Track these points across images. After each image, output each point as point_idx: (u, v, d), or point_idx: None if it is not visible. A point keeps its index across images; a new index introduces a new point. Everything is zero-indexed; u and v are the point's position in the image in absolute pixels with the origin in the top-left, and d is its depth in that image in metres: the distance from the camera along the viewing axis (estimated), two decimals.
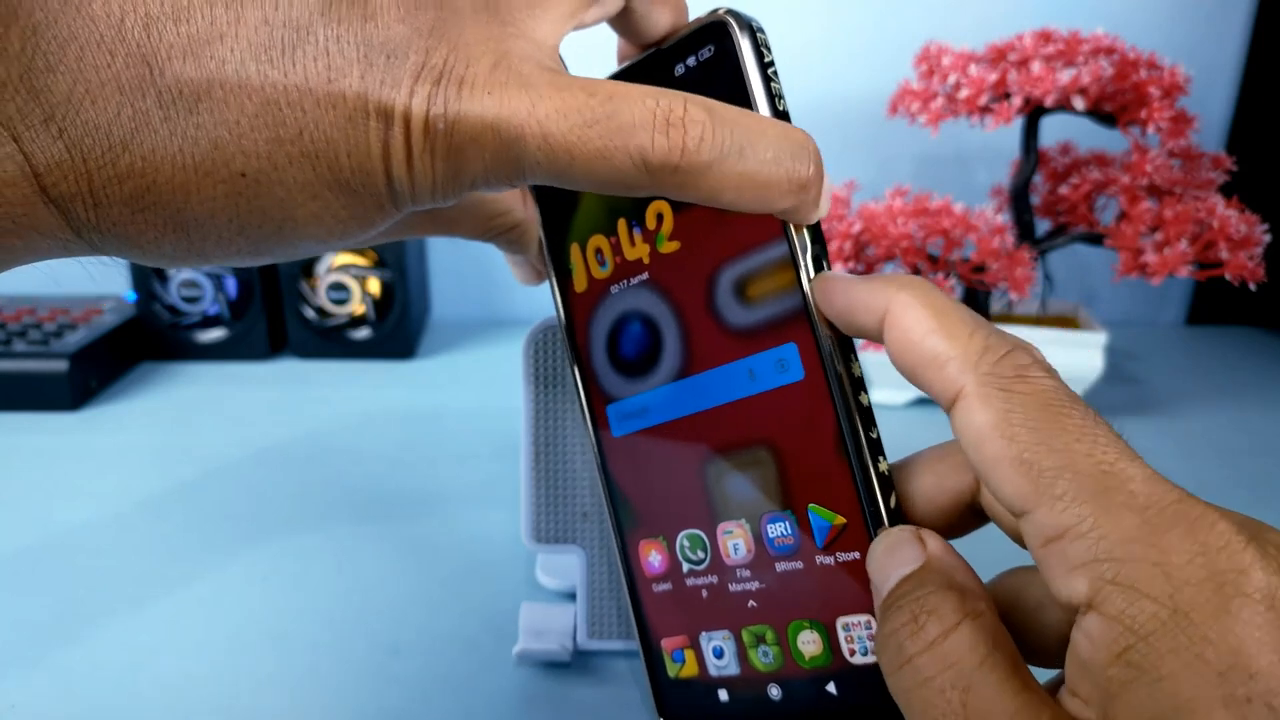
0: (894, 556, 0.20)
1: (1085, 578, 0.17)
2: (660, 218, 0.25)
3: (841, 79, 0.75)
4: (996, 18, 0.67)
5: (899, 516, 0.22)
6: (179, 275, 0.65)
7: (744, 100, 0.23)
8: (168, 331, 0.66)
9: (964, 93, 0.54)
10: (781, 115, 0.23)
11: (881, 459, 0.22)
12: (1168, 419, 0.58)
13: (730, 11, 0.23)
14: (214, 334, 0.66)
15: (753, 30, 0.23)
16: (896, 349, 0.20)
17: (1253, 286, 0.50)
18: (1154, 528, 0.16)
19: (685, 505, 0.25)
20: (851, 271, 0.54)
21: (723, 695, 0.25)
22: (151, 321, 0.66)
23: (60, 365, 0.56)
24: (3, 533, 0.42)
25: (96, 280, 0.24)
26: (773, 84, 0.23)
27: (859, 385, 0.22)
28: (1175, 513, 0.16)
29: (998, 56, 0.55)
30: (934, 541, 0.20)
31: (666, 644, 0.27)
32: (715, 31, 0.23)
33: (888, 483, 0.22)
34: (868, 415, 0.22)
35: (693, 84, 0.23)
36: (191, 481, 0.48)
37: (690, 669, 0.26)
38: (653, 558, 0.27)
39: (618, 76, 0.25)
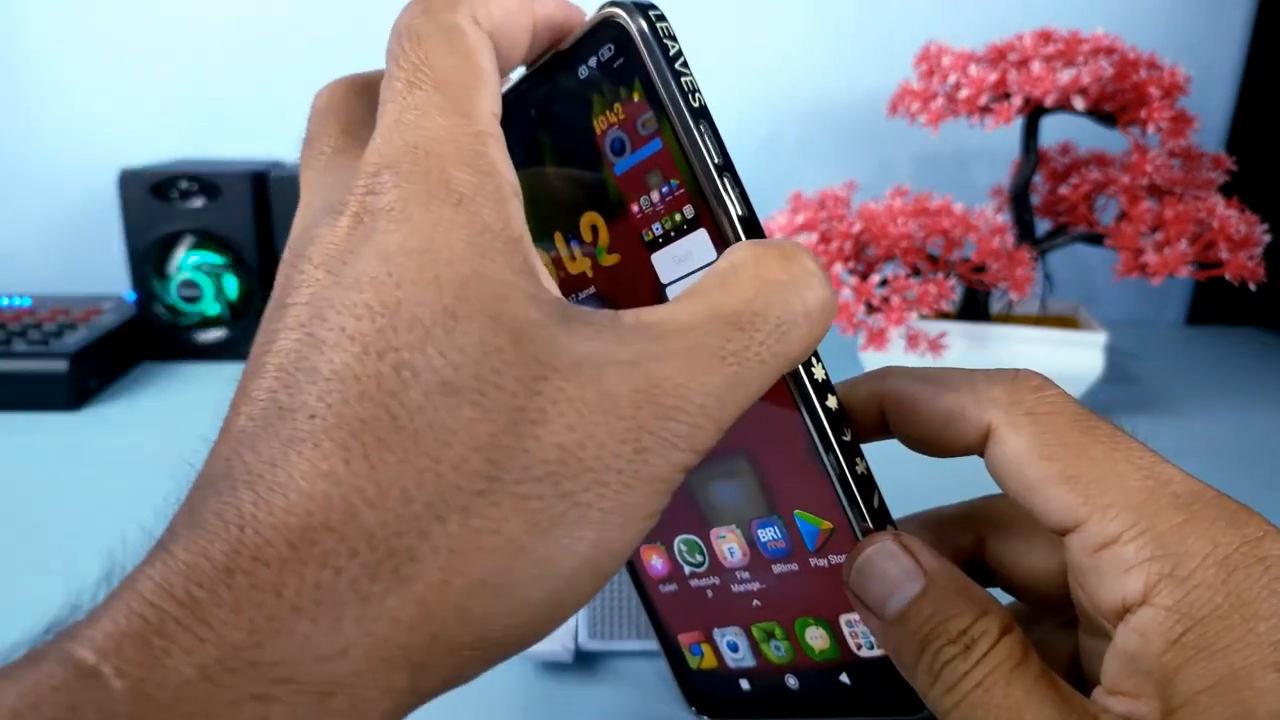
0: (888, 573, 0.20)
1: (1141, 576, 0.18)
2: (595, 230, 0.23)
3: (841, 79, 0.75)
4: (996, 18, 0.67)
5: (884, 515, 0.22)
6: (179, 275, 0.65)
7: (654, 98, 0.21)
8: (168, 331, 0.66)
9: (964, 93, 0.54)
10: (697, 111, 0.21)
11: (859, 460, 0.22)
12: (1168, 419, 0.58)
13: (619, 3, 0.21)
14: (214, 334, 0.66)
15: (650, 20, 0.21)
16: (907, 426, 0.21)
17: (1253, 286, 0.50)
18: (1200, 522, 0.18)
19: (678, 511, 0.25)
20: (851, 272, 0.54)
21: (744, 685, 0.26)
22: (151, 321, 0.66)
23: (60, 365, 0.56)
24: (2, 533, 0.42)
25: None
26: (684, 77, 0.21)
27: (824, 389, 0.21)
28: (1216, 507, 0.18)
29: (998, 56, 0.55)
30: (928, 555, 0.20)
31: (684, 639, 0.27)
32: (610, 28, 0.21)
33: (868, 483, 0.22)
34: (837, 418, 0.21)
35: (598, 85, 0.22)
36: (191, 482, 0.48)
37: (709, 661, 0.26)
38: (654, 561, 0.26)
39: (521, 83, 0.23)
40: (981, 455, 0.20)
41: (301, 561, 0.14)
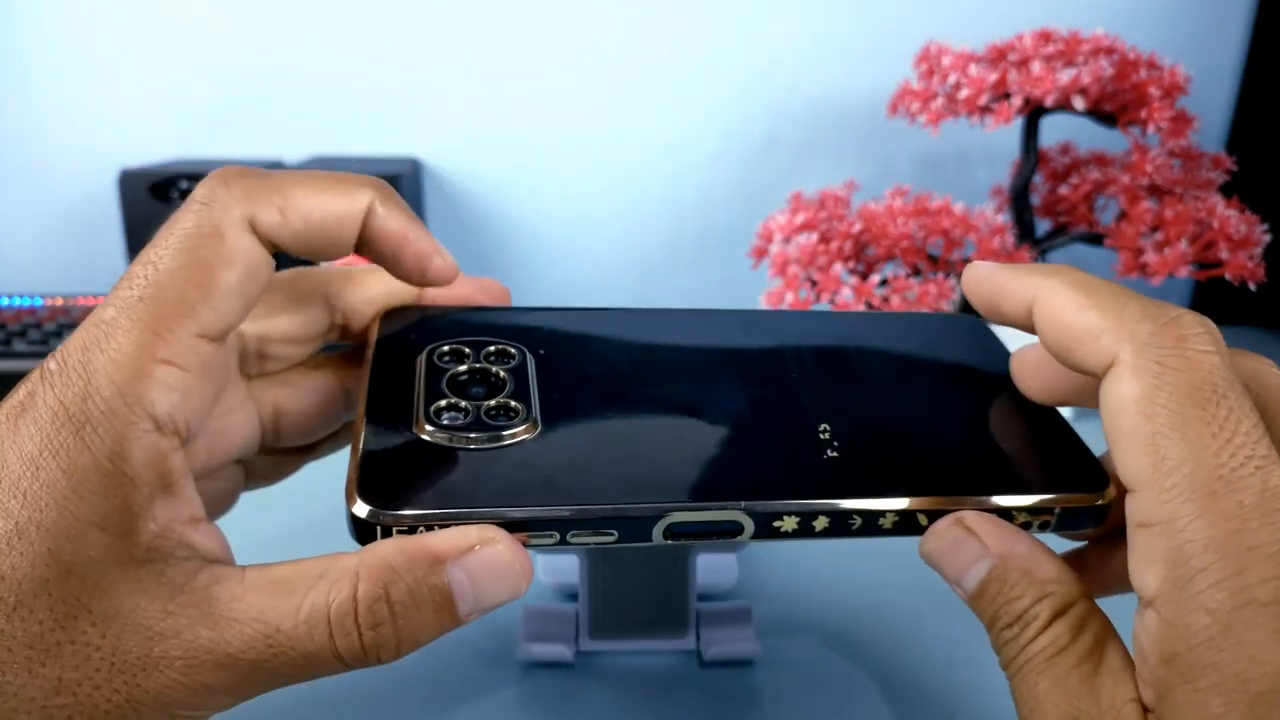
0: (959, 554, 0.20)
1: (1158, 575, 0.17)
2: None
3: (841, 79, 0.75)
4: (996, 18, 0.67)
5: (937, 513, 0.21)
6: None
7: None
8: None
9: (964, 93, 0.54)
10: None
11: (884, 519, 0.21)
12: None
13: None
14: None
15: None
16: (1047, 329, 0.20)
17: (1253, 286, 0.50)
18: (1241, 542, 0.16)
19: None
20: (851, 272, 0.54)
21: None
22: None
23: None
24: None
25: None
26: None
27: (806, 527, 0.21)
28: (1272, 532, 0.16)
29: (998, 56, 0.55)
30: (994, 535, 0.20)
31: None
32: None
33: (909, 519, 0.22)
34: (836, 526, 0.21)
35: None
36: None
37: None
38: None
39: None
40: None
41: None
